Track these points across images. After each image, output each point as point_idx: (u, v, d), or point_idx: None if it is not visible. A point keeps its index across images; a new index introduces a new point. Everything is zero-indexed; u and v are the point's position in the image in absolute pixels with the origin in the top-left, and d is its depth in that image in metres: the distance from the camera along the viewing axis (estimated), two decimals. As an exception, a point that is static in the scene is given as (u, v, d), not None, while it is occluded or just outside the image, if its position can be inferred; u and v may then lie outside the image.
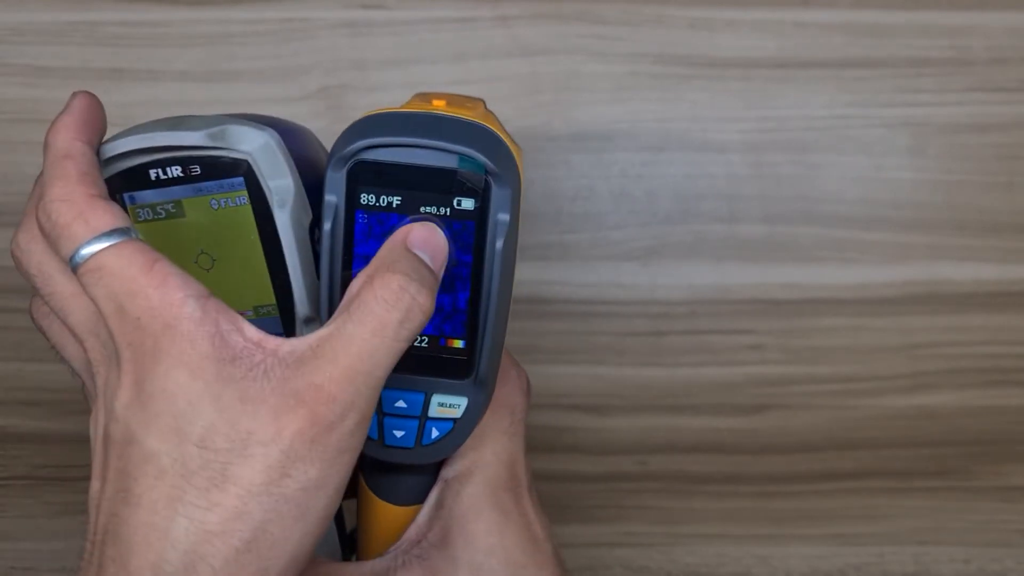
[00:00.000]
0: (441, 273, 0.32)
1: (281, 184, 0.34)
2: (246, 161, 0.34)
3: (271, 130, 0.34)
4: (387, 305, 0.29)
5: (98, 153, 0.33)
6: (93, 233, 0.29)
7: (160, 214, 0.35)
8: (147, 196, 0.35)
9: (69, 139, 0.31)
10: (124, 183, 0.35)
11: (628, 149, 0.53)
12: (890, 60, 0.52)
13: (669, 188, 0.53)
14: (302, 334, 0.35)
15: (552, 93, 0.52)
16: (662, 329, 0.54)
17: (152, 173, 0.34)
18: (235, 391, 0.27)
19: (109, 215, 0.29)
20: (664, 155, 0.53)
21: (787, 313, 0.54)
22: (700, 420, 0.55)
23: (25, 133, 0.52)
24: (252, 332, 0.29)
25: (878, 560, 0.49)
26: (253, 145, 0.34)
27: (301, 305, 0.35)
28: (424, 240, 0.31)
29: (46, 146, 0.31)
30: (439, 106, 0.33)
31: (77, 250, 0.29)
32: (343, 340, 0.29)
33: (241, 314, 0.31)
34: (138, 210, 0.35)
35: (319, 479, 0.28)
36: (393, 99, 0.52)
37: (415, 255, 0.31)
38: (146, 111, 0.51)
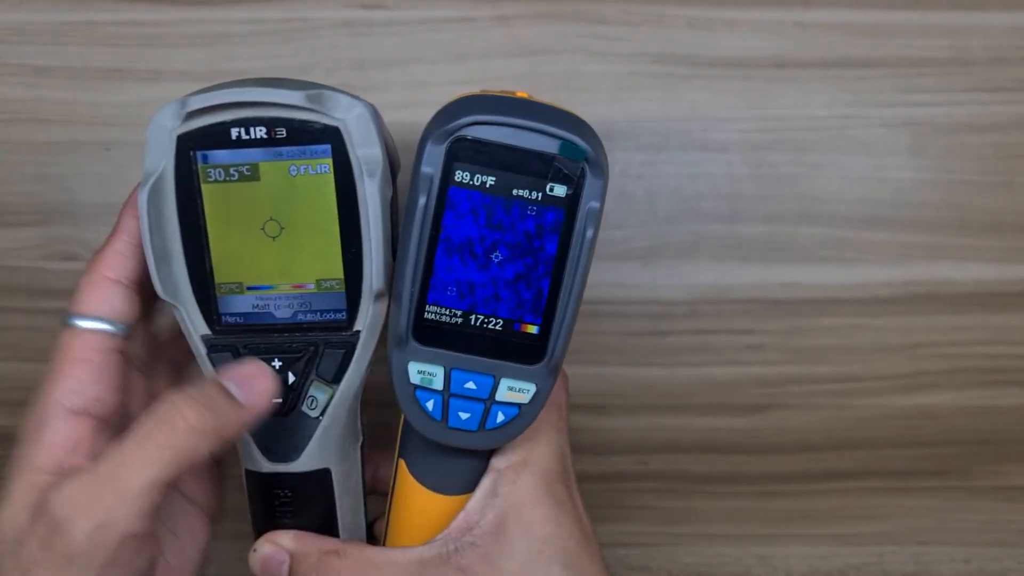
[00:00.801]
0: (256, 410, 0.33)
1: (371, 154, 0.33)
2: (337, 128, 0.33)
3: (365, 101, 0.34)
4: (155, 411, 0.31)
5: (187, 103, 0.34)
6: (74, 311, 0.34)
7: (232, 176, 0.34)
8: (221, 156, 0.34)
9: (129, 216, 0.35)
10: (200, 140, 0.34)
11: (628, 149, 0.53)
12: (890, 60, 0.52)
13: (669, 188, 0.53)
14: (368, 312, 0.35)
15: (552, 93, 0.52)
16: (662, 329, 0.54)
17: (234, 132, 0.33)
18: (28, 502, 0.31)
19: (95, 302, 0.34)
20: (664, 155, 0.53)
21: (787, 313, 0.54)
22: (700, 420, 0.55)
23: (25, 133, 0.52)
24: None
25: (878, 560, 0.49)
26: (349, 114, 0.33)
27: (377, 280, 0.35)
28: (239, 374, 0.33)
29: (122, 209, 0.36)
30: (524, 96, 0.34)
31: (65, 316, 0.34)
32: (111, 448, 0.31)
33: (301, 287, 0.34)
34: (209, 170, 0.34)
35: None
36: (394, 99, 0.52)
37: (218, 383, 0.33)
38: (146, 111, 0.51)
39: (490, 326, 0.34)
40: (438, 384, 0.35)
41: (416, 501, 0.37)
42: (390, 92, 0.52)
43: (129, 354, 0.36)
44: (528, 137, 0.32)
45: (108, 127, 0.52)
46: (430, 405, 0.35)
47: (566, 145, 0.32)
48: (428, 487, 0.37)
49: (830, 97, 0.53)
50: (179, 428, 0.30)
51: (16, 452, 0.32)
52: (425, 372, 0.35)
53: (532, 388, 0.34)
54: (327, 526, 0.38)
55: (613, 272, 0.53)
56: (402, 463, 0.37)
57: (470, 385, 0.34)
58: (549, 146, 0.32)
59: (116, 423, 0.34)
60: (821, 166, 0.53)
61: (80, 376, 0.33)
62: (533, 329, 0.34)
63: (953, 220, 0.53)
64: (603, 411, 0.55)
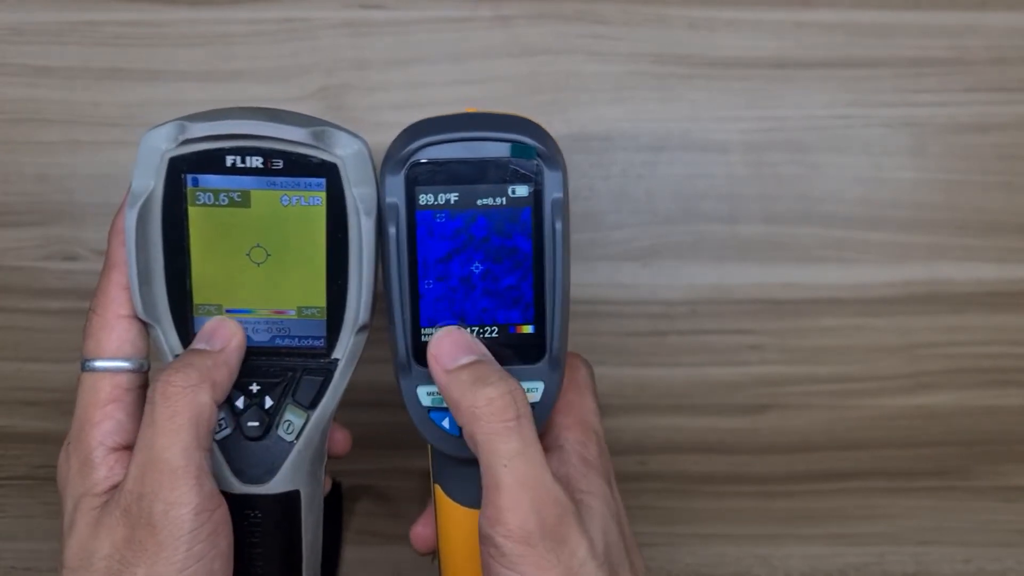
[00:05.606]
0: (229, 350, 0.35)
1: (366, 192, 0.34)
2: (335, 164, 0.34)
3: (363, 139, 0.35)
4: (152, 395, 0.32)
5: (188, 129, 0.34)
6: (94, 354, 0.34)
7: (222, 201, 0.34)
8: (213, 181, 0.34)
9: (119, 245, 0.35)
10: (193, 164, 0.34)
11: (628, 149, 0.53)
12: (890, 60, 0.52)
13: (669, 188, 0.53)
14: (349, 341, 0.36)
15: (552, 93, 0.52)
16: (662, 329, 0.54)
17: (229, 159, 0.34)
18: (90, 520, 0.33)
19: (115, 344, 0.34)
20: (664, 155, 0.53)
21: (787, 313, 0.54)
22: (700, 420, 0.55)
23: (25, 133, 0.52)
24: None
25: (878, 560, 0.49)
26: (347, 151, 0.34)
27: (364, 313, 0.35)
28: (202, 333, 0.35)
29: (110, 238, 0.35)
30: (473, 111, 0.35)
31: (83, 360, 0.35)
32: (138, 440, 0.32)
33: (282, 313, 0.35)
34: (198, 193, 0.34)
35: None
36: (393, 99, 0.52)
37: (192, 349, 0.34)
38: (146, 111, 0.51)
39: (487, 335, 0.35)
40: None
41: (459, 522, 0.37)
42: (390, 92, 0.52)
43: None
44: (479, 147, 0.33)
45: (108, 127, 0.52)
46: (446, 423, 0.35)
47: (516, 146, 0.33)
48: (468, 506, 0.37)
49: (830, 97, 0.53)
50: (173, 393, 0.32)
51: (64, 489, 0.34)
52: (434, 393, 0.35)
53: (540, 386, 0.35)
54: (292, 545, 0.38)
55: (613, 272, 0.53)
56: (438, 488, 0.37)
57: None
58: (500, 151, 0.33)
59: None
60: (821, 166, 0.53)
61: (117, 417, 0.34)
62: (529, 329, 0.35)
63: (953, 220, 0.53)
64: (603, 411, 0.55)
